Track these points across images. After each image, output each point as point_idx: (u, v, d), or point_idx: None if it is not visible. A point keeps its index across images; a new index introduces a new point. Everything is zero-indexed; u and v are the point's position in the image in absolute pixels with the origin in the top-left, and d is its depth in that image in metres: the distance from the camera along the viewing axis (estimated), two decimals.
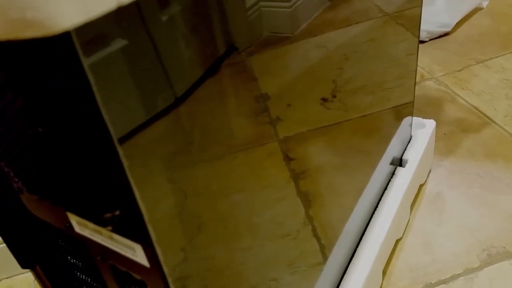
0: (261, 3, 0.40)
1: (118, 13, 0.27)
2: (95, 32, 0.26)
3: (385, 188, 0.87)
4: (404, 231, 0.90)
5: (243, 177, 0.42)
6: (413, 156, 0.92)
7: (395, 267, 0.84)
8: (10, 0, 0.23)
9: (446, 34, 1.49)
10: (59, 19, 0.23)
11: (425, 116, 1.09)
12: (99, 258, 0.40)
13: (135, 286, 0.40)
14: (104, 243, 0.37)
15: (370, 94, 0.69)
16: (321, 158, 0.57)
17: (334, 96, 0.57)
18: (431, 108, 1.21)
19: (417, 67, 1.16)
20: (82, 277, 0.47)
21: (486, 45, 1.42)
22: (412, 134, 0.98)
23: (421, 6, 0.81)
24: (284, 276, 0.53)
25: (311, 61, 0.51)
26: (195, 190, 0.36)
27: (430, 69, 1.35)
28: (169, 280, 0.35)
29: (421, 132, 0.98)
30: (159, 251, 0.33)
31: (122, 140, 0.28)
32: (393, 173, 0.89)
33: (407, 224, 0.91)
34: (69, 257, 0.46)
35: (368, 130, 0.72)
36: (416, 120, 1.00)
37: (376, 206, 0.83)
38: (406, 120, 0.91)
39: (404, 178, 0.88)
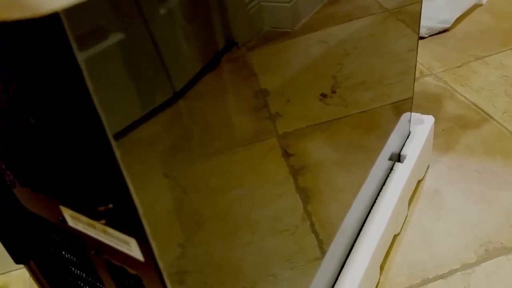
0: None
1: (115, 6, 0.26)
2: (91, 25, 0.25)
3: (384, 184, 0.86)
4: (402, 227, 0.90)
5: (242, 172, 0.42)
6: (411, 151, 0.92)
7: (393, 262, 0.84)
8: None
9: (445, 30, 1.49)
10: None
11: (424, 112, 1.09)
12: (93, 252, 0.40)
13: (130, 280, 0.40)
14: (98, 237, 0.37)
15: (369, 90, 0.69)
16: (320, 154, 0.57)
17: (334, 92, 0.57)
18: (430, 104, 1.20)
19: (417, 63, 1.16)
20: (77, 272, 0.47)
21: (485, 42, 1.41)
22: (411, 129, 0.97)
23: (421, 2, 0.81)
24: (282, 271, 0.52)
25: (311, 57, 0.50)
26: (193, 186, 0.36)
27: (430, 65, 1.35)
28: (164, 274, 0.34)
29: (420, 128, 0.98)
30: (153, 245, 0.33)
31: (119, 134, 0.28)
32: (391, 169, 0.89)
33: (405, 219, 0.91)
34: (63, 252, 0.46)
35: (367, 126, 0.72)
36: (415, 116, 1.00)
37: (374, 202, 0.83)
38: (405, 116, 0.91)
39: (402, 173, 0.88)
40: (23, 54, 0.27)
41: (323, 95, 0.55)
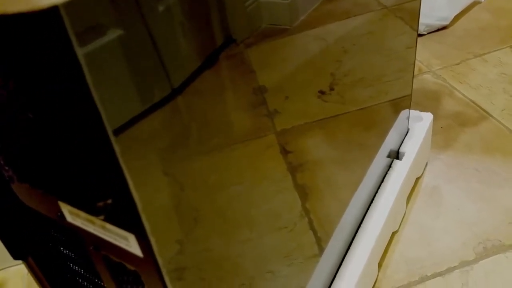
0: None
1: (114, 1, 0.26)
2: (90, 21, 0.25)
3: (382, 181, 0.87)
4: (400, 224, 0.90)
5: (240, 169, 0.42)
6: (410, 149, 0.92)
7: (391, 259, 0.84)
8: None
9: (444, 28, 1.49)
10: None
11: (423, 109, 1.09)
12: (92, 248, 0.40)
13: (128, 276, 0.40)
14: (97, 233, 0.37)
15: (368, 87, 0.69)
16: (318, 151, 0.57)
17: (332, 89, 0.57)
18: (429, 101, 1.20)
19: (415, 60, 1.16)
20: (75, 268, 0.47)
21: (484, 39, 1.41)
22: (409, 127, 0.97)
23: None
24: (280, 268, 0.53)
25: (309, 54, 0.50)
26: (191, 182, 0.36)
27: (428, 62, 1.35)
28: (163, 270, 0.35)
29: (418, 125, 0.98)
30: (153, 241, 0.33)
31: (117, 131, 0.28)
32: (389, 166, 0.89)
33: (403, 217, 0.92)
34: (61, 248, 0.46)
35: (366, 123, 0.72)
36: (413, 113, 1.00)
37: (373, 199, 0.83)
38: (404, 113, 0.91)
39: (400, 171, 0.88)
40: (22, 48, 0.27)
41: (322, 92, 0.55)
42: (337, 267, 0.72)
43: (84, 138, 0.30)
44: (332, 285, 0.70)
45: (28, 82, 0.30)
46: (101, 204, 0.33)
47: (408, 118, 0.96)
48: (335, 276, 0.71)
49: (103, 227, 0.36)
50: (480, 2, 1.59)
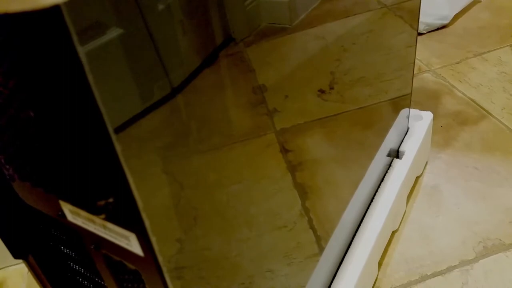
0: None
1: (114, 1, 0.26)
2: (90, 19, 0.25)
3: (382, 180, 0.87)
4: (400, 223, 0.90)
5: (240, 168, 0.42)
6: (410, 147, 0.92)
7: (391, 258, 0.84)
8: None
9: (444, 27, 1.49)
10: None
11: (423, 108, 1.09)
12: (92, 247, 0.40)
13: (129, 275, 0.40)
14: (97, 232, 0.37)
15: (367, 86, 0.69)
16: (318, 150, 0.57)
17: (332, 88, 0.57)
18: (429, 100, 1.20)
19: (415, 59, 1.16)
20: (76, 267, 0.47)
21: (484, 38, 1.41)
22: (409, 126, 0.97)
23: None
24: (280, 267, 0.53)
25: (309, 53, 0.50)
26: (191, 181, 0.36)
27: (428, 61, 1.35)
28: (164, 269, 0.35)
29: (418, 124, 0.98)
30: (153, 240, 0.33)
31: (118, 129, 0.28)
32: (389, 165, 0.89)
33: (404, 216, 0.92)
34: (62, 247, 0.46)
35: (366, 122, 0.72)
36: (413, 112, 1.00)
37: (373, 198, 0.83)
38: (404, 112, 0.91)
39: (400, 170, 0.88)
40: (23, 47, 0.28)
41: (321, 91, 0.55)
42: (337, 266, 0.72)
43: (85, 136, 0.30)
44: (332, 284, 0.70)
45: (29, 81, 0.30)
46: (101, 203, 0.33)
47: (408, 117, 0.96)
48: (335, 275, 0.71)
49: (104, 226, 0.36)
50: (480, 1, 1.59)
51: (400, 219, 0.91)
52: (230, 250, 0.43)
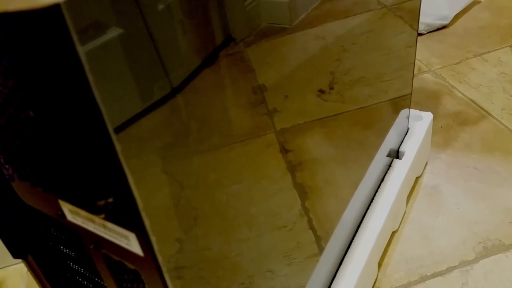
0: None
1: (114, 1, 0.26)
2: (90, 19, 0.25)
3: (382, 180, 0.87)
4: (400, 224, 0.90)
5: (240, 168, 0.42)
6: (410, 148, 0.92)
7: (391, 259, 0.84)
8: None
9: (444, 27, 1.49)
10: None
11: (422, 108, 1.09)
12: (92, 247, 0.40)
13: (129, 275, 0.40)
14: (97, 231, 0.37)
15: (367, 86, 0.69)
16: (318, 150, 0.57)
17: (332, 88, 0.57)
18: (429, 101, 1.21)
19: (415, 59, 1.16)
20: (75, 267, 0.47)
21: (484, 39, 1.41)
22: (409, 126, 0.97)
23: None
24: (280, 267, 0.53)
25: (309, 53, 0.50)
26: (191, 181, 0.36)
27: (428, 61, 1.35)
28: (164, 269, 0.35)
29: (418, 124, 0.98)
30: (153, 239, 0.33)
31: (118, 129, 0.28)
32: (389, 165, 0.89)
33: (403, 216, 0.92)
34: (61, 247, 0.46)
35: (365, 122, 0.72)
36: (413, 112, 1.00)
37: (373, 198, 0.83)
38: (404, 112, 0.91)
39: (400, 170, 0.88)
40: (23, 46, 0.28)
41: (321, 91, 0.55)
42: (337, 266, 0.72)
43: (85, 136, 0.30)
44: (332, 285, 0.70)
45: (29, 80, 0.30)
46: (101, 202, 0.33)
47: (408, 117, 0.96)
48: (335, 275, 0.71)
49: (104, 226, 0.36)
50: (480, 2, 1.59)
51: (400, 219, 0.90)
52: (230, 250, 0.43)
